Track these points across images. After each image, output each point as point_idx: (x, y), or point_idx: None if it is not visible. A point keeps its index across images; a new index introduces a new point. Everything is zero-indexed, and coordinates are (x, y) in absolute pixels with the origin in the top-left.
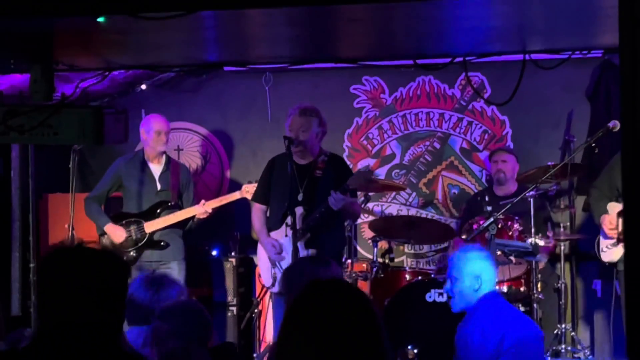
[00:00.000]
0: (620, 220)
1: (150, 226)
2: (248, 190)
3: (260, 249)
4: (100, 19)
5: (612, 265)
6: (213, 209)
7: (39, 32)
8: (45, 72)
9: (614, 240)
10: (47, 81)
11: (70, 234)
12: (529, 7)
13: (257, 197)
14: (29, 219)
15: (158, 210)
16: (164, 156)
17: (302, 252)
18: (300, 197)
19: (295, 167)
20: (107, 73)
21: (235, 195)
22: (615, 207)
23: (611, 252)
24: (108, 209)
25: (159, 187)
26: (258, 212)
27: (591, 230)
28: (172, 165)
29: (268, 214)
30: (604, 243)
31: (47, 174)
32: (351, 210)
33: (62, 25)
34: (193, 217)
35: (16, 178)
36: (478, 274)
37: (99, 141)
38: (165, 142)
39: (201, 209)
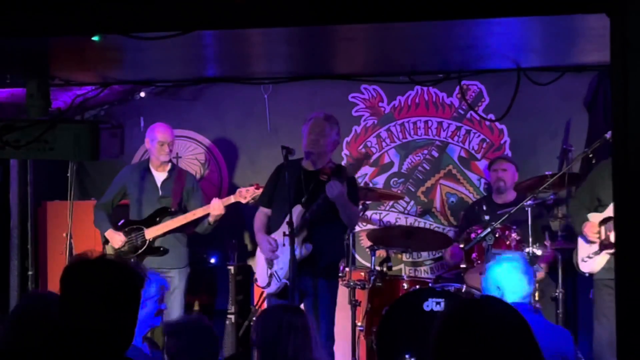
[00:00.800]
0: (603, 228)
1: (150, 232)
2: (242, 194)
3: (259, 251)
4: (95, 38)
5: (591, 275)
6: (226, 207)
7: (34, 49)
8: (41, 88)
9: (596, 249)
10: (43, 96)
11: (68, 242)
12: (524, 27)
13: (262, 200)
14: (27, 227)
15: (157, 218)
16: (169, 164)
17: (298, 249)
18: (304, 199)
19: (303, 172)
20: (103, 88)
21: (230, 199)
22: (596, 216)
23: (592, 261)
24: (114, 217)
25: (160, 193)
26: (261, 214)
27: None
28: (176, 173)
29: (271, 217)
30: (583, 253)
31: (46, 182)
32: (347, 209)
33: (58, 43)
34: (207, 217)
35: (15, 186)
36: (498, 284)
37: (94, 156)
38: (167, 152)
39: (218, 205)
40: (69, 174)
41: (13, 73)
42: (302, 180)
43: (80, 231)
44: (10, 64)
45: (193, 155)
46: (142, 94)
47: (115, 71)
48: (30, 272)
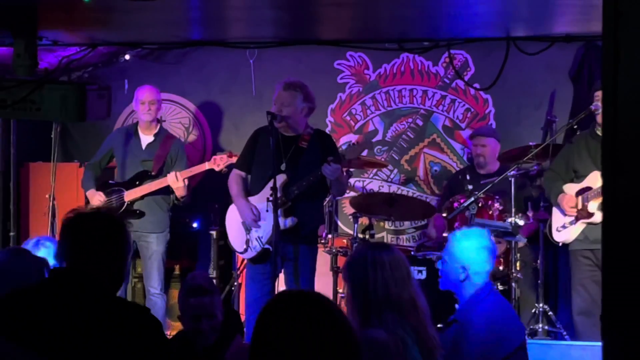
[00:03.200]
0: (580, 198)
1: (129, 195)
2: (216, 162)
3: (230, 213)
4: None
5: (565, 246)
6: (187, 180)
7: (23, 8)
8: (28, 47)
9: (572, 219)
10: (31, 56)
11: (50, 204)
12: None
13: (238, 164)
14: (10, 188)
15: (137, 181)
16: (157, 127)
17: (281, 221)
18: (283, 166)
19: (281, 138)
20: (90, 49)
21: (204, 166)
22: (572, 188)
23: (567, 231)
24: (104, 179)
25: (144, 156)
26: (237, 177)
27: None
28: (164, 137)
29: (249, 182)
30: (558, 223)
31: (29, 143)
32: (341, 185)
33: (47, 2)
34: (173, 192)
35: None
36: (465, 265)
37: (81, 117)
38: (148, 110)
39: (173, 178)
40: (52, 136)
41: (0, 32)
42: (281, 146)
43: (63, 193)
44: None
45: (177, 119)
46: (127, 57)
47: (102, 32)
48: (12, 233)
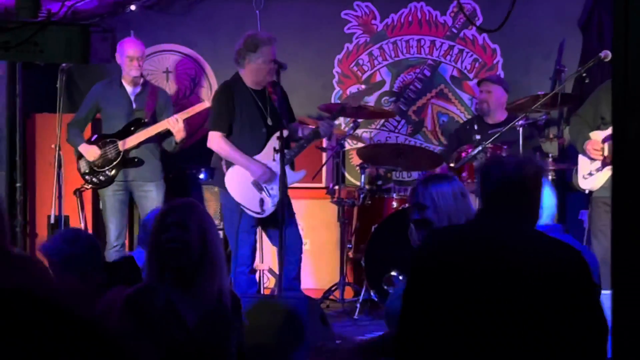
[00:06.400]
0: (607, 145)
1: (124, 144)
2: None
3: (233, 176)
4: None
5: (590, 193)
6: (185, 121)
7: None
8: None
9: (599, 166)
10: None
11: (57, 154)
12: None
13: (219, 126)
14: (16, 139)
15: (132, 128)
16: (141, 79)
17: (292, 175)
18: (269, 121)
19: (254, 92)
20: None
21: (203, 105)
22: (599, 135)
23: (593, 178)
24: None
25: (134, 106)
26: (224, 140)
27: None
28: (150, 87)
29: (237, 141)
30: (584, 170)
31: (35, 94)
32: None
33: None
34: (172, 137)
35: (3, 97)
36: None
37: (85, 59)
38: (137, 67)
39: (173, 121)
40: (58, 86)
41: None
42: (257, 101)
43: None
44: None
45: (183, 70)
46: (133, 7)
47: None
48: (18, 184)
